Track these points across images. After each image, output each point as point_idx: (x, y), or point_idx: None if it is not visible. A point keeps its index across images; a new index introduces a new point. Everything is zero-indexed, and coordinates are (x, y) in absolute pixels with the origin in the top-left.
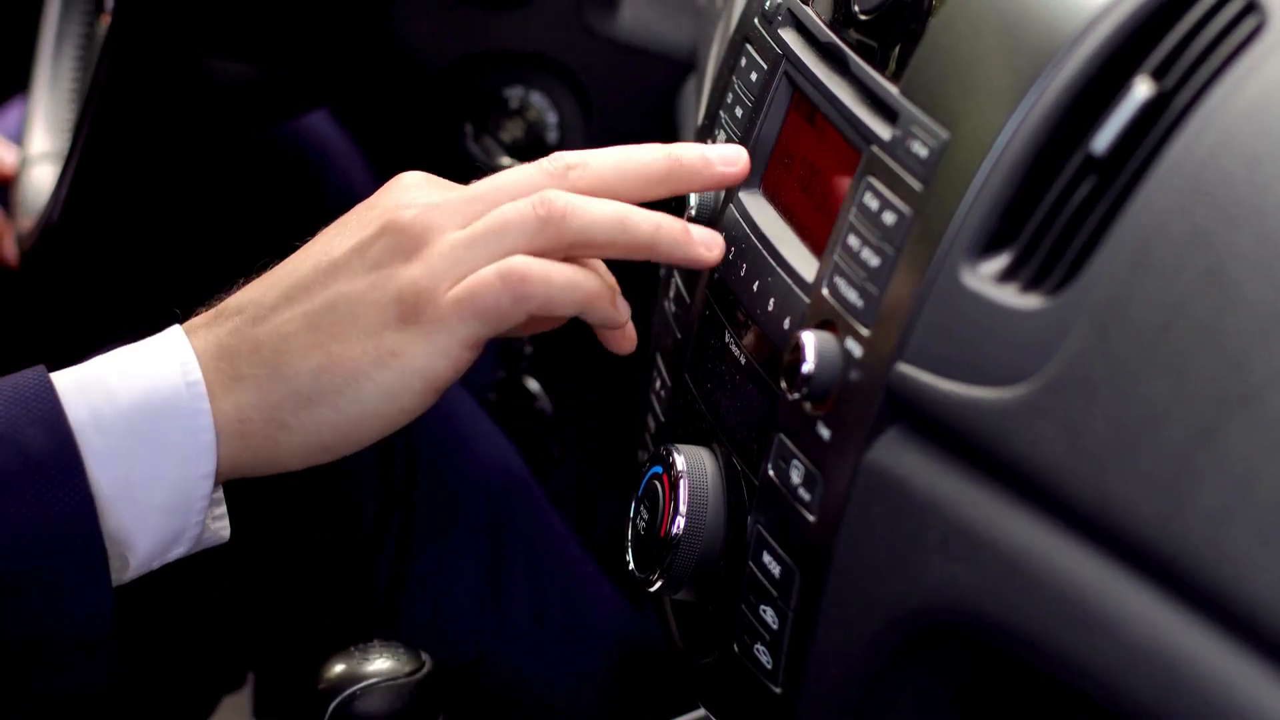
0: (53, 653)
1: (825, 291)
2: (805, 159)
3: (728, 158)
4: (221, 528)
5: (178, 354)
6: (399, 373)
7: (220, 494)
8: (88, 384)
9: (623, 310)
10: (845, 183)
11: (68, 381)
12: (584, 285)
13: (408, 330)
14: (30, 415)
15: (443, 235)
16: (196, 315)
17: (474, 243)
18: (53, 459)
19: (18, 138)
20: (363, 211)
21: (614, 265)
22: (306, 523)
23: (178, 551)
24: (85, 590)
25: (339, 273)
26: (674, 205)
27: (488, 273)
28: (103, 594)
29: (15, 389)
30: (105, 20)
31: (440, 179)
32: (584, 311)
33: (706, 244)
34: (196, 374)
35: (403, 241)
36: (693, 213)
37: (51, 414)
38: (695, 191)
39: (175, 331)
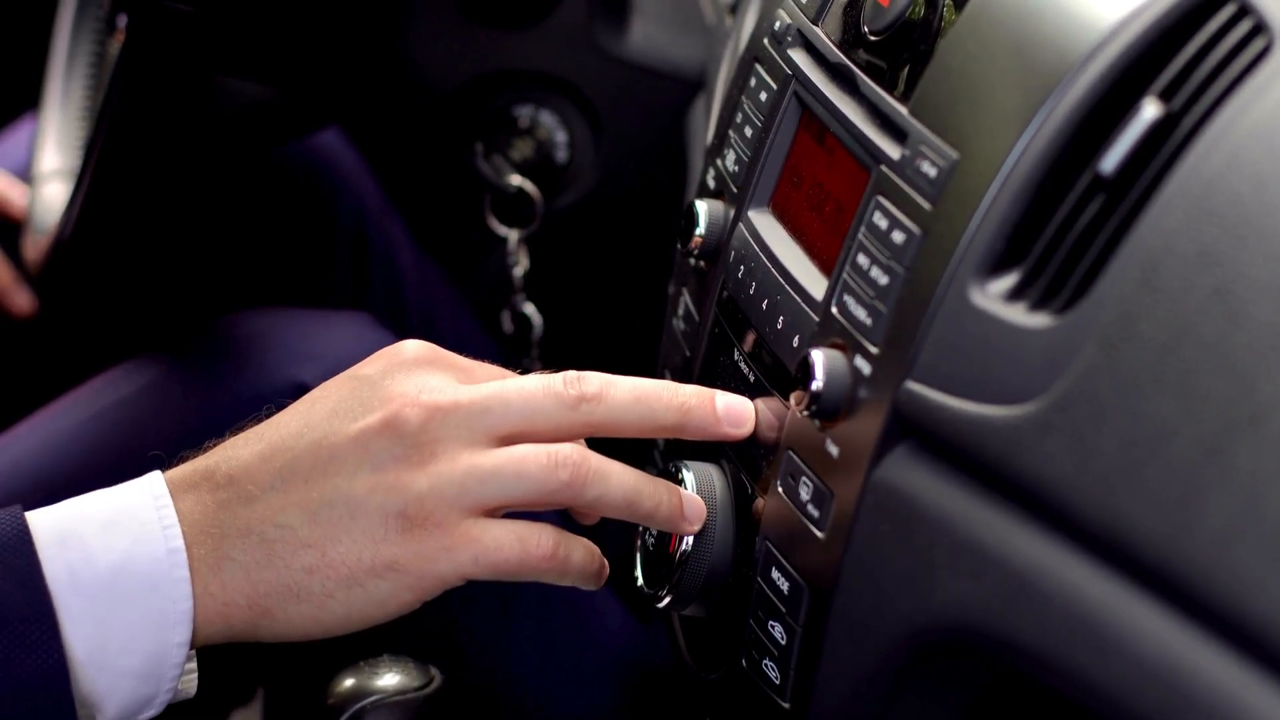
0: None
1: (834, 310)
2: (814, 178)
3: (735, 419)
4: (190, 684)
5: (159, 514)
6: (392, 585)
7: (193, 654)
8: (66, 538)
9: (603, 578)
10: (854, 202)
11: (45, 532)
12: (586, 568)
13: (408, 544)
14: (6, 568)
15: (452, 451)
16: (181, 463)
17: (490, 479)
18: (28, 619)
19: (28, 155)
20: (361, 389)
21: (623, 284)
22: None
23: (147, 714)
24: None
25: (339, 466)
26: (683, 226)
27: (511, 538)
28: None
29: None
30: (118, 39)
31: (441, 352)
32: (573, 582)
33: (690, 519)
34: (178, 539)
35: (408, 449)
36: (700, 232)
37: (28, 569)
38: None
39: (156, 481)
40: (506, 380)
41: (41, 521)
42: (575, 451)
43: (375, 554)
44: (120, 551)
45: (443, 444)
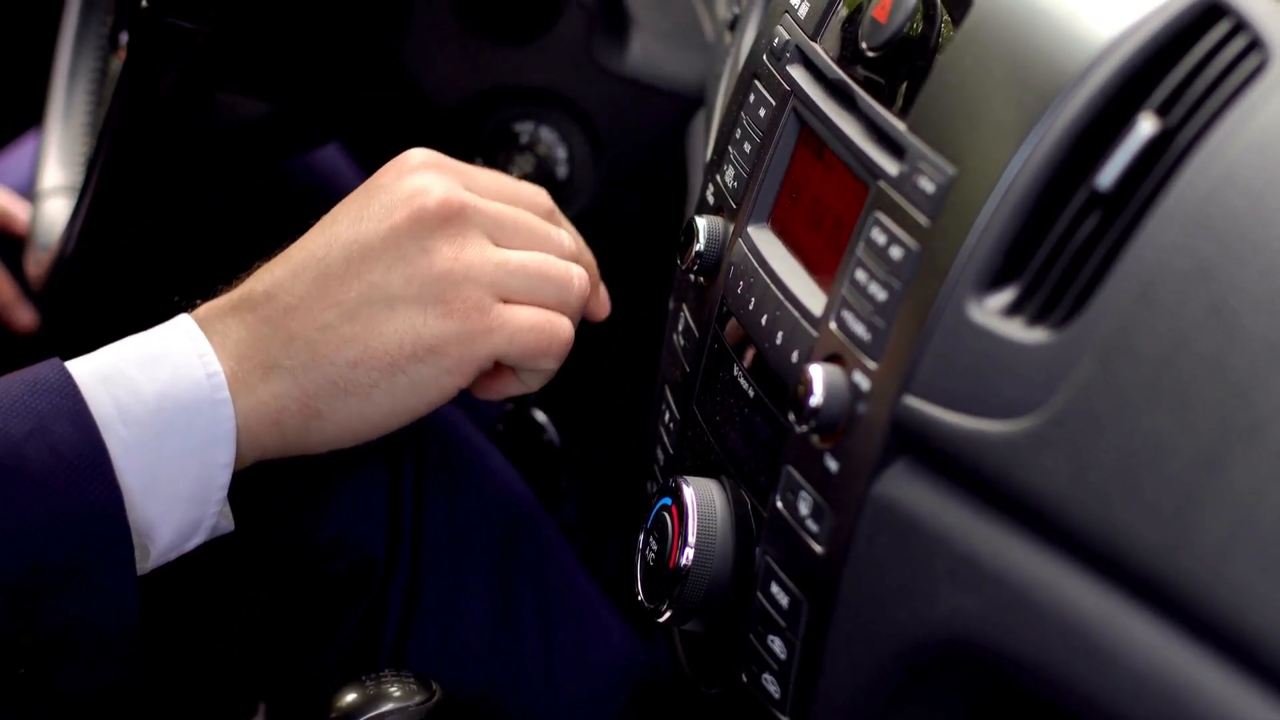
0: (78, 649)
1: (833, 325)
2: (813, 194)
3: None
4: (227, 518)
5: (194, 345)
6: (433, 369)
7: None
8: (109, 376)
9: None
10: (853, 217)
11: (87, 374)
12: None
13: (448, 327)
14: (56, 410)
15: (478, 245)
16: (216, 298)
17: (518, 274)
18: (82, 454)
19: (31, 171)
20: (380, 194)
21: (622, 299)
22: (318, 553)
23: (195, 541)
24: (112, 583)
25: (372, 263)
26: (682, 241)
27: (540, 319)
28: (128, 587)
29: (36, 382)
30: (120, 56)
31: (445, 158)
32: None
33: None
34: (215, 365)
35: (438, 242)
36: (700, 248)
37: (76, 408)
38: None
39: (185, 321)
40: (517, 209)
41: (81, 368)
42: (585, 273)
43: (417, 339)
44: (163, 381)
45: (468, 238)
